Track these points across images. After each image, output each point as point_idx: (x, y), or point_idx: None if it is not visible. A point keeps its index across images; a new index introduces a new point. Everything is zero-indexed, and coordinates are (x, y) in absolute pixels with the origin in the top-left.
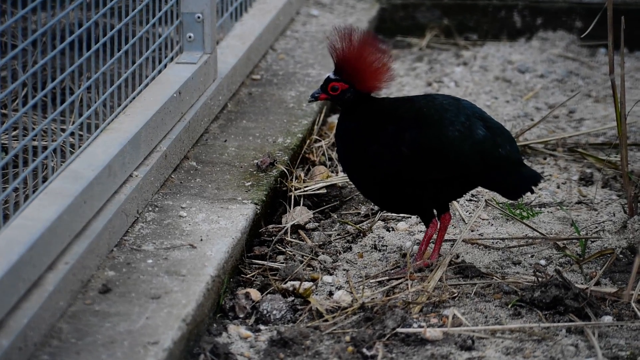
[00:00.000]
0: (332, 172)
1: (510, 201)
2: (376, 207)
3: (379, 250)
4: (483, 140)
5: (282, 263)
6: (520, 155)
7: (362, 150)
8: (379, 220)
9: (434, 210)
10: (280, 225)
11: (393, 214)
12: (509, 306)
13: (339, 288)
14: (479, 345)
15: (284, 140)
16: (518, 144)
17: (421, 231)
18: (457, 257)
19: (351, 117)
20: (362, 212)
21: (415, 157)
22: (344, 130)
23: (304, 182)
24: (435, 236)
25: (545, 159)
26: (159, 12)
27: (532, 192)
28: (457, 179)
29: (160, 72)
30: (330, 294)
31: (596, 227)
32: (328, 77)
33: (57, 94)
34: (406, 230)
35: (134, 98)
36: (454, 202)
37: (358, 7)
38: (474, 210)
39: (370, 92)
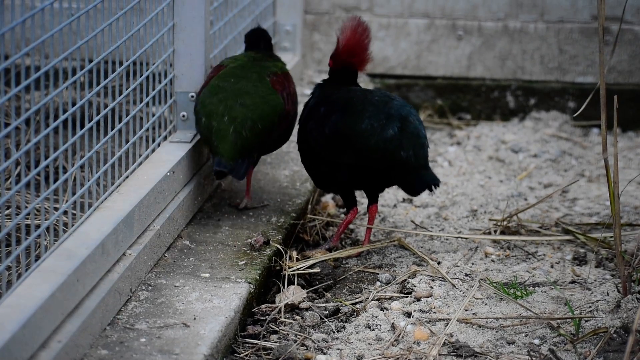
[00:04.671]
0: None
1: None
2: (371, 288)
3: (373, 330)
4: (389, 139)
5: (276, 342)
6: (426, 161)
7: (304, 125)
8: (372, 299)
9: (356, 197)
10: (273, 305)
11: (387, 294)
12: None
13: None
14: None
15: (277, 219)
16: (511, 223)
17: (416, 310)
18: (452, 336)
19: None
20: (356, 292)
21: (332, 139)
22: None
23: (299, 258)
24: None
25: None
26: (153, 91)
27: (431, 190)
28: (366, 169)
29: (153, 151)
30: None
31: (590, 307)
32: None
33: (50, 172)
34: (400, 310)
35: (127, 177)
36: (439, 286)
37: None
38: (467, 289)
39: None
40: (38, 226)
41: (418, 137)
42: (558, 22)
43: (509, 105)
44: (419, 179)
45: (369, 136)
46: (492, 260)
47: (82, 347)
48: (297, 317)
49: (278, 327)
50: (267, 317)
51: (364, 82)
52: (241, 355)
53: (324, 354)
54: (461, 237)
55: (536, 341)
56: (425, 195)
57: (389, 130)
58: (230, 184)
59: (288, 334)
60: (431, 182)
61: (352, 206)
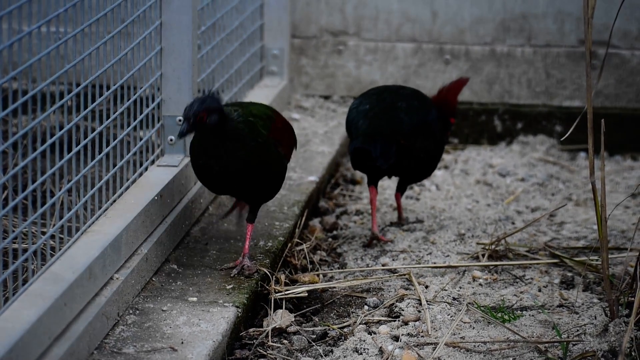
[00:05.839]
0: (317, 276)
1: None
2: (359, 312)
3: (360, 354)
4: (359, 112)
5: None
6: (361, 133)
7: None
8: (360, 323)
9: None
10: (261, 329)
11: (375, 318)
12: None
13: None
14: None
15: (265, 243)
16: (499, 247)
17: (404, 334)
18: None
19: None
20: (344, 315)
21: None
22: None
23: (288, 282)
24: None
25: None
26: (140, 115)
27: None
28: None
29: (141, 174)
30: None
31: (578, 330)
32: None
33: (37, 196)
34: (388, 334)
35: (114, 201)
36: (427, 308)
37: (339, 111)
38: (455, 313)
39: None
40: (25, 250)
41: (379, 118)
42: (545, 46)
43: (496, 129)
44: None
45: (352, 109)
46: (480, 284)
47: None
48: (285, 341)
49: (266, 351)
50: (254, 341)
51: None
52: None
53: None
54: (450, 267)
55: None
56: (412, 220)
57: (365, 106)
58: (218, 208)
59: (276, 358)
60: (352, 147)
61: (369, 185)
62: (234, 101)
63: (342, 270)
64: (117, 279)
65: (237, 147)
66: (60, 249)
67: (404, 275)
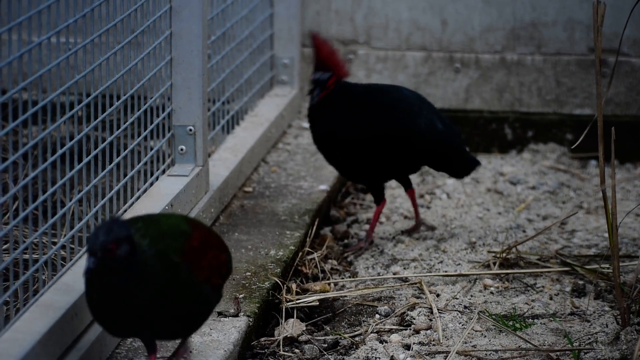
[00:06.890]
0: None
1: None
2: (370, 321)
3: None
4: (440, 132)
5: None
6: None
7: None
8: (372, 332)
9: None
10: (272, 338)
11: (386, 327)
12: None
13: None
14: None
15: (276, 252)
16: (510, 255)
17: (415, 343)
18: None
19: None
20: (355, 324)
21: (383, 137)
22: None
23: (299, 292)
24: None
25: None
26: (151, 125)
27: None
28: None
29: (151, 184)
30: None
31: (589, 339)
32: (319, 77)
33: (48, 206)
34: (399, 342)
35: (125, 211)
36: (438, 316)
37: None
38: (467, 322)
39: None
40: (36, 260)
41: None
42: (555, 54)
43: (506, 138)
44: (466, 162)
45: (427, 132)
46: (491, 292)
47: None
48: (297, 350)
49: None
50: (266, 350)
51: None
52: None
53: None
54: (461, 275)
55: None
56: (423, 228)
57: (438, 125)
58: (229, 218)
59: None
60: (474, 164)
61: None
62: (137, 215)
63: (353, 279)
64: None
65: (146, 285)
66: (71, 259)
67: (415, 283)
